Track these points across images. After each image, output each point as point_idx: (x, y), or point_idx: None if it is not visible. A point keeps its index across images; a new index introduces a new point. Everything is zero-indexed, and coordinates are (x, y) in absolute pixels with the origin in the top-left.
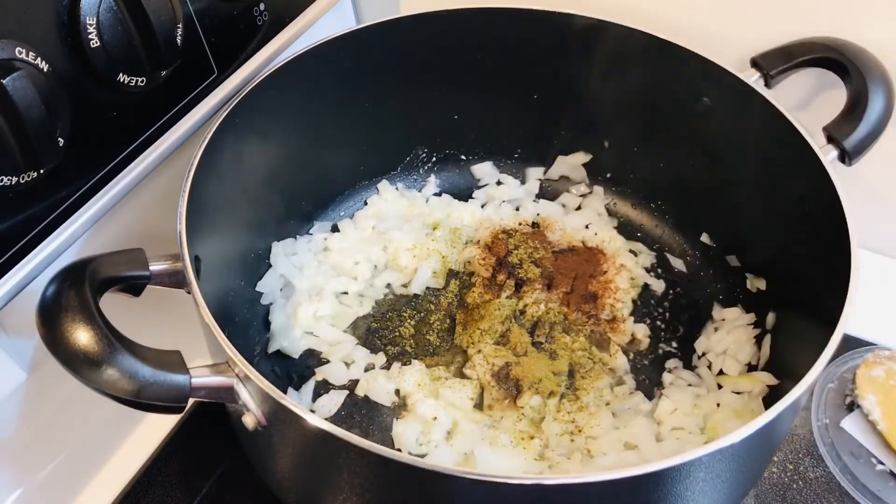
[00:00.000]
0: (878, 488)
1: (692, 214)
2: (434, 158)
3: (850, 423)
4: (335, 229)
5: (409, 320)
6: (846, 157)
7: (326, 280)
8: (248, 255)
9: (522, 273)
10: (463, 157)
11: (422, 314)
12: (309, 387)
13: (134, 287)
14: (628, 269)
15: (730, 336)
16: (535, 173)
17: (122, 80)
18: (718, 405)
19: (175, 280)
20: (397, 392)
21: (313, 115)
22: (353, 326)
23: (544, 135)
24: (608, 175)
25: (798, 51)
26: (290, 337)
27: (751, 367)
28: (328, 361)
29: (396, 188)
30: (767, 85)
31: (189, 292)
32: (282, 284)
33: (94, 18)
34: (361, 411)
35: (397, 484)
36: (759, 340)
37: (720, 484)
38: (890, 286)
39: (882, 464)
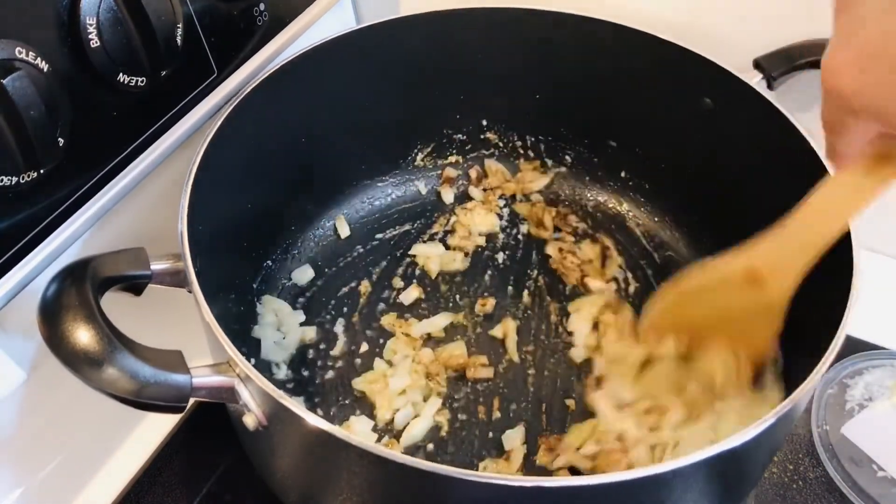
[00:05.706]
0: (880, 495)
1: (692, 215)
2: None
3: (851, 429)
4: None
5: None
6: None
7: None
8: (249, 254)
9: None
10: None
11: None
12: None
13: (135, 286)
14: None
15: None
16: None
17: (122, 80)
18: None
19: (176, 279)
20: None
21: (313, 115)
22: None
23: (546, 135)
24: None
25: (801, 52)
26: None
27: None
28: None
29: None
30: (770, 87)
31: (190, 291)
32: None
33: (94, 18)
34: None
35: (397, 484)
36: None
37: (721, 485)
38: (891, 287)
39: (883, 470)
